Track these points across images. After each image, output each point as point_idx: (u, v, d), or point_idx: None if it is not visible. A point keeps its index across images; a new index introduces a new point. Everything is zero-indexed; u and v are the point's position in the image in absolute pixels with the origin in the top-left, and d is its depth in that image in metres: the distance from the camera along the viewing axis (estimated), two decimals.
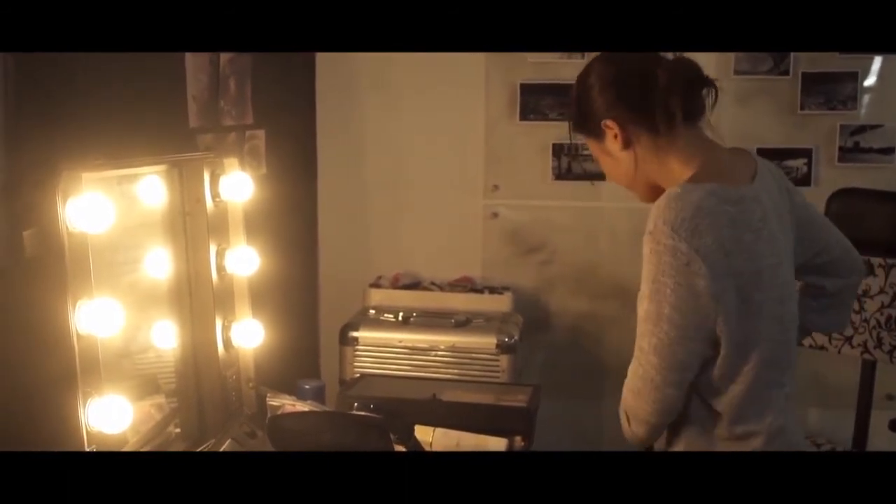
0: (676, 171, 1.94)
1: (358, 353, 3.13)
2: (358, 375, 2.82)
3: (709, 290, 1.80)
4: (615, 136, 1.96)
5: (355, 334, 3.13)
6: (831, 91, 3.62)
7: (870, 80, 3.66)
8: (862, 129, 3.67)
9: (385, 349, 3.15)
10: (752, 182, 1.94)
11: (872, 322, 3.13)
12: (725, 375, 1.88)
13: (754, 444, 1.91)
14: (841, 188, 3.32)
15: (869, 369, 3.18)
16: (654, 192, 1.94)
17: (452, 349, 3.09)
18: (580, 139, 2.07)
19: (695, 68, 1.94)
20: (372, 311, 3.27)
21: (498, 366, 3.10)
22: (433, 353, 3.11)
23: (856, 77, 3.63)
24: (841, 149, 3.66)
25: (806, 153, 3.67)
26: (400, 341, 3.13)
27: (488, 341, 3.10)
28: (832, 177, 3.61)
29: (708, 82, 1.95)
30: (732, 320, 1.83)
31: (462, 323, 3.21)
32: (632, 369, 1.91)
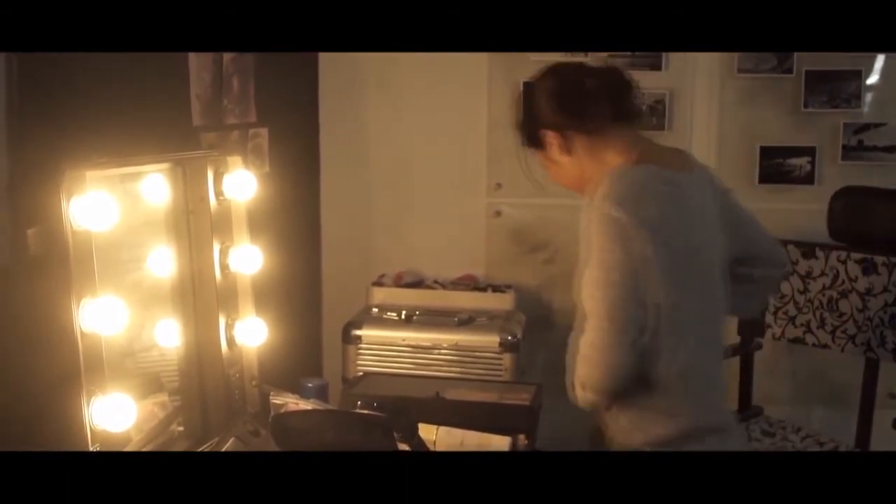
0: (615, 162, 2.11)
1: (361, 351, 3.12)
2: (361, 374, 2.82)
3: (652, 257, 1.97)
4: (556, 145, 2.15)
5: (358, 332, 3.13)
6: (835, 89, 3.62)
7: (874, 79, 3.65)
8: (866, 128, 3.67)
9: (388, 347, 3.15)
10: (689, 173, 2.14)
11: (876, 320, 3.13)
12: (659, 347, 2.03)
13: (684, 423, 2.08)
14: (844, 186, 3.32)
15: (872, 368, 3.18)
16: (577, 187, 2.17)
17: (455, 347, 3.09)
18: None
19: (620, 75, 2.17)
20: (375, 310, 3.27)
21: (501, 364, 3.10)
22: (436, 351, 3.11)
23: (860, 75, 3.63)
24: (844, 147, 3.65)
25: (809, 151, 3.67)
26: (403, 339, 3.13)
27: (491, 340, 3.10)
28: (835, 175, 3.61)
29: (632, 87, 2.17)
30: (671, 290, 2.00)
31: (465, 321, 3.21)
32: (583, 339, 2.04)
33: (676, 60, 3.68)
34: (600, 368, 2.02)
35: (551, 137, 2.16)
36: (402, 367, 3.11)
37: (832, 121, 3.65)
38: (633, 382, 2.06)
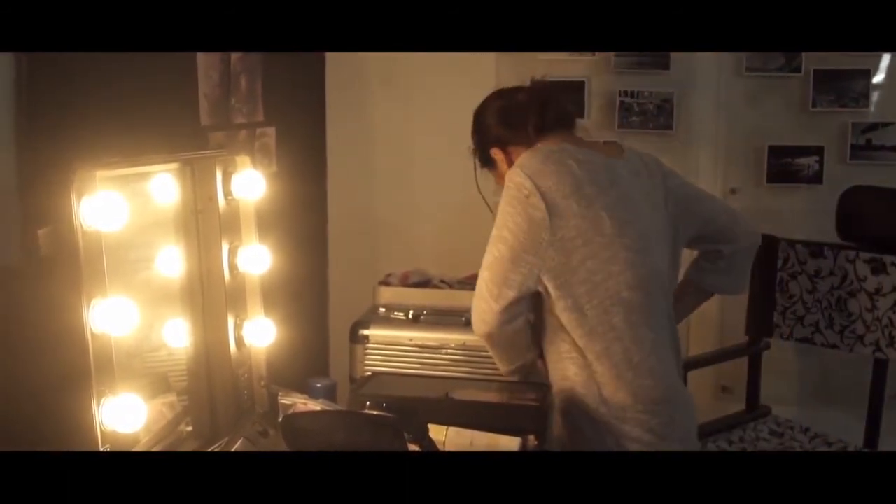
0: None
1: (368, 351, 3.11)
2: (370, 374, 2.81)
3: (542, 223, 2.16)
4: (502, 160, 2.40)
5: (365, 332, 3.11)
6: (843, 88, 3.61)
7: (882, 77, 3.64)
8: (874, 127, 3.66)
9: (395, 347, 3.14)
10: (614, 158, 2.31)
11: (885, 321, 3.13)
12: (574, 307, 2.22)
13: (618, 385, 2.23)
14: (853, 186, 3.31)
15: (881, 368, 3.17)
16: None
17: (463, 347, 3.08)
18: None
19: (545, 87, 2.42)
20: (382, 310, 3.26)
21: None
22: (444, 351, 3.09)
23: (868, 74, 3.63)
24: (853, 146, 3.64)
25: (817, 151, 3.66)
26: (410, 339, 3.11)
27: None
28: (844, 174, 3.60)
29: (556, 96, 2.42)
30: (568, 254, 2.18)
31: None
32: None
33: (683, 60, 3.67)
34: (476, 314, 2.28)
35: (496, 154, 2.42)
36: (409, 366, 3.10)
37: (840, 120, 3.65)
38: (531, 336, 2.34)
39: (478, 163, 2.52)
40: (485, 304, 2.24)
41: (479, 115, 2.47)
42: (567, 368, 2.33)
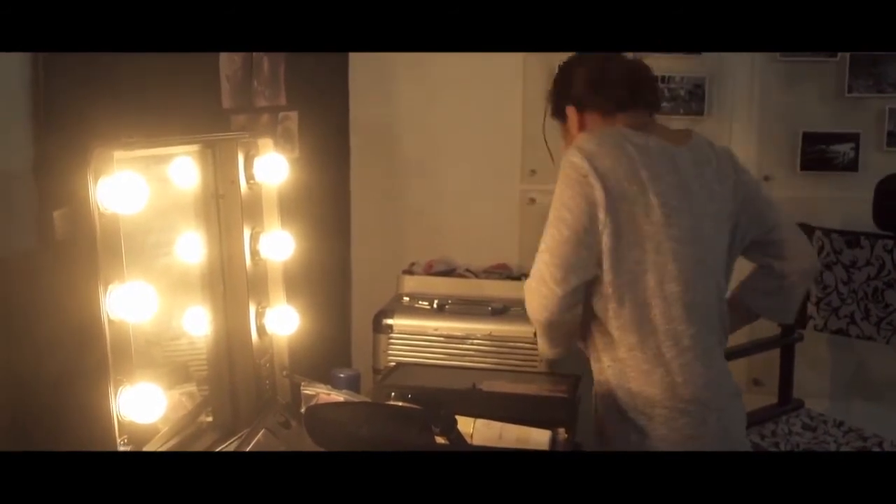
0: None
1: (392, 340, 3.06)
2: (394, 364, 2.75)
3: (601, 202, 2.10)
4: (574, 120, 2.33)
5: (389, 322, 3.06)
6: (881, 74, 3.52)
7: None
8: None
9: (420, 337, 3.08)
10: (675, 145, 2.24)
11: None
12: (614, 297, 2.15)
13: (649, 381, 2.17)
14: (890, 174, 3.24)
15: None
16: None
17: (489, 337, 3.02)
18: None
19: (646, 69, 2.34)
20: (406, 299, 3.20)
21: (536, 355, 3.01)
22: (469, 341, 3.04)
23: None
24: (889, 133, 3.56)
25: (853, 137, 3.57)
26: (435, 329, 3.05)
27: (526, 330, 3.01)
28: (880, 162, 3.51)
29: (655, 81, 2.36)
30: (619, 238, 2.12)
31: (499, 311, 3.13)
32: (532, 271, 2.18)
33: None
34: (536, 299, 2.16)
35: (570, 112, 2.33)
36: (433, 357, 3.04)
37: (877, 106, 3.56)
38: (583, 327, 2.24)
39: (549, 110, 2.44)
40: (546, 290, 2.14)
41: (568, 70, 2.37)
42: (601, 360, 2.25)
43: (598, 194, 2.11)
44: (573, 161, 2.14)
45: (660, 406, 2.18)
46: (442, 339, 3.06)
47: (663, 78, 3.57)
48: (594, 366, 2.30)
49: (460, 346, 3.02)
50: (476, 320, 3.07)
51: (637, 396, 2.20)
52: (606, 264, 2.14)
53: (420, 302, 3.17)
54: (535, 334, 2.33)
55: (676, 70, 3.58)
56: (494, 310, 3.14)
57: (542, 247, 2.15)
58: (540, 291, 2.15)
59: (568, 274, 2.12)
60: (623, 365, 2.20)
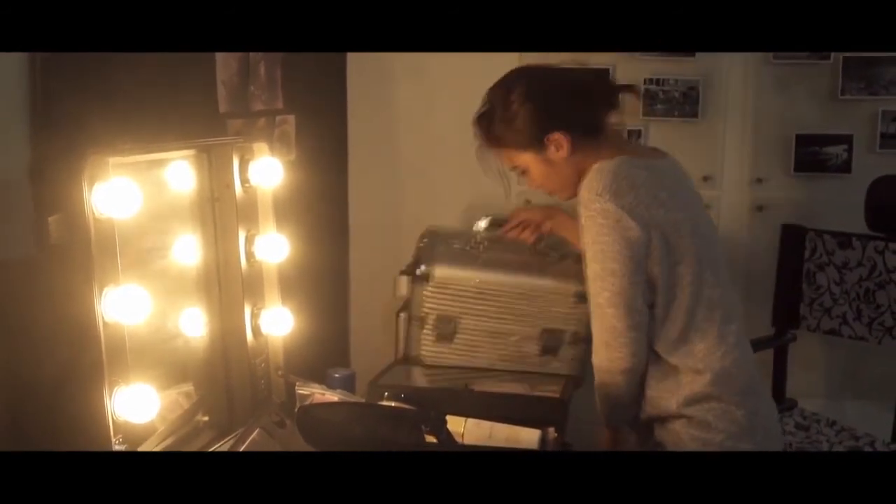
0: (602, 156, 2.20)
1: (429, 293, 2.64)
2: (389, 363, 2.78)
3: (639, 239, 2.12)
4: (558, 148, 2.23)
5: (428, 271, 2.64)
6: (873, 76, 3.53)
7: None
8: None
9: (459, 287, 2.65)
10: (661, 159, 2.27)
11: None
12: (661, 317, 2.19)
13: (702, 381, 2.18)
14: (883, 176, 3.26)
15: None
16: (571, 189, 2.26)
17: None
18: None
19: (607, 74, 2.51)
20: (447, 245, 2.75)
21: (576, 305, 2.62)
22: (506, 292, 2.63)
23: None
24: (882, 135, 3.57)
25: (846, 139, 3.59)
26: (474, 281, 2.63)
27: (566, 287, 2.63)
28: (873, 164, 3.52)
29: (629, 88, 2.33)
30: (663, 264, 2.15)
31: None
32: (595, 328, 2.22)
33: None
34: (617, 349, 2.18)
35: (559, 137, 2.22)
36: (471, 310, 2.64)
37: (870, 108, 3.57)
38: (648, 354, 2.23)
39: (498, 142, 2.32)
40: (625, 339, 2.18)
41: (531, 100, 2.24)
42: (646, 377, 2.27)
43: (635, 233, 2.12)
44: (598, 207, 2.12)
45: (716, 401, 2.20)
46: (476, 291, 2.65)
47: (658, 80, 3.59)
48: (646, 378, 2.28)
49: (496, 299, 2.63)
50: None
51: (693, 399, 2.21)
52: (655, 289, 2.18)
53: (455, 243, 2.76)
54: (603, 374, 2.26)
55: (670, 73, 3.59)
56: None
57: (602, 302, 2.17)
58: (619, 341, 2.17)
59: (637, 317, 2.16)
60: (676, 377, 2.23)
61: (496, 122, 2.31)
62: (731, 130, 3.61)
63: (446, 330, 2.61)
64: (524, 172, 2.34)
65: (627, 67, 3.57)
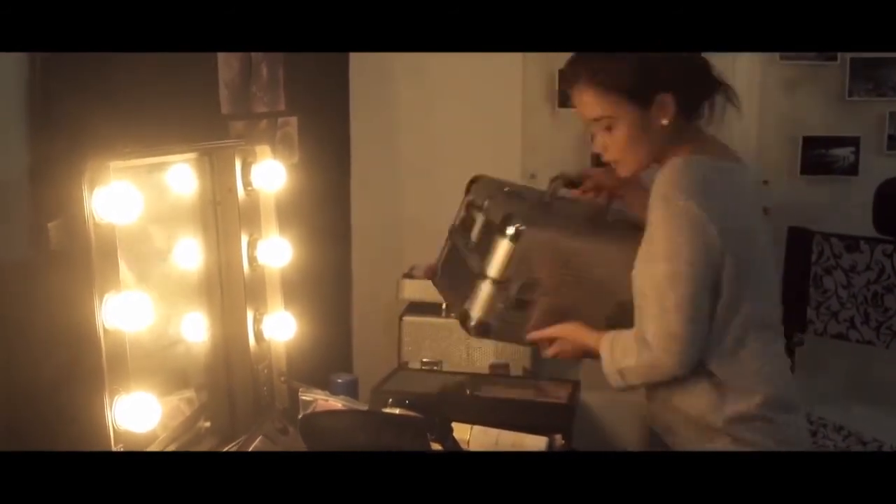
0: (684, 148, 2.08)
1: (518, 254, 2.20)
2: (393, 369, 2.76)
3: (717, 248, 1.99)
4: (662, 112, 2.06)
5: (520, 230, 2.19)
6: (881, 77, 3.51)
7: None
8: None
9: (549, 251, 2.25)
10: (738, 163, 2.15)
11: None
12: (717, 330, 2.05)
13: (751, 401, 2.06)
14: (891, 178, 3.24)
15: None
16: (641, 168, 2.14)
17: None
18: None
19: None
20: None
21: None
22: None
23: None
24: (890, 137, 3.55)
25: (853, 141, 3.57)
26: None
27: None
28: (880, 166, 3.51)
29: (728, 86, 2.17)
30: (731, 275, 2.02)
31: None
32: (648, 327, 2.03)
33: None
34: (673, 355, 2.03)
35: (667, 101, 2.05)
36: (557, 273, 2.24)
37: (878, 110, 3.55)
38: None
39: (618, 90, 2.07)
40: (681, 348, 2.02)
41: (663, 58, 2.06)
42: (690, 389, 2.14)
43: (714, 240, 1.99)
44: (683, 206, 1.99)
45: (763, 421, 2.11)
46: None
47: None
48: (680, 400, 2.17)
49: None
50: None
51: (738, 415, 2.10)
52: (717, 300, 2.05)
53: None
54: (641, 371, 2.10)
55: None
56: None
57: (667, 305, 2.01)
58: (675, 350, 2.03)
59: (699, 327, 2.03)
60: (720, 391, 2.10)
61: (605, 59, 2.06)
62: (736, 132, 3.58)
63: (526, 296, 2.23)
64: (608, 128, 2.10)
65: None
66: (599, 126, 2.11)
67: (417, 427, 1.96)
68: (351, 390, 2.44)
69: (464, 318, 2.22)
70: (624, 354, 2.08)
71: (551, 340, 2.21)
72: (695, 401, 2.11)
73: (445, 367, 3.27)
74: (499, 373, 3.13)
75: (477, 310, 2.20)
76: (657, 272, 2.02)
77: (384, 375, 2.66)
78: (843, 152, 3.58)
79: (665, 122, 2.06)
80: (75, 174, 1.69)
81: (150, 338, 1.98)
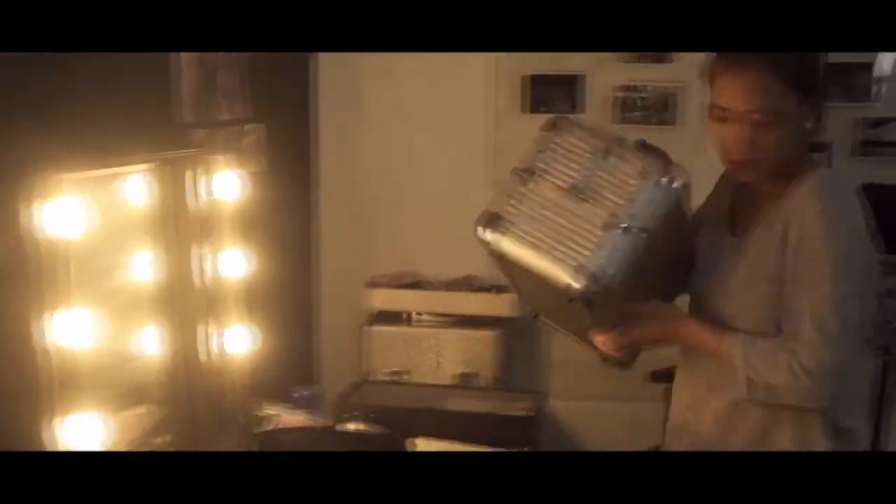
0: (809, 160, 1.96)
1: None
2: (358, 382, 2.73)
3: (875, 267, 1.87)
4: (812, 111, 1.91)
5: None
6: (851, 82, 3.50)
7: (889, 72, 3.55)
8: (883, 122, 3.56)
9: None
10: None
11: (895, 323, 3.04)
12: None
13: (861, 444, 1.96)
14: (866, 184, 3.21)
15: (887, 371, 3.09)
16: (771, 171, 1.93)
17: None
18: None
19: None
20: None
21: None
22: None
23: (873, 69, 3.52)
24: (863, 142, 3.54)
25: (825, 147, 3.55)
26: None
27: None
28: (853, 171, 3.49)
29: None
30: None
31: None
32: (804, 352, 1.80)
33: (687, 53, 3.56)
34: (832, 387, 1.82)
35: (816, 104, 1.92)
36: None
37: (848, 115, 3.54)
38: None
39: (745, 101, 1.91)
40: (838, 375, 1.82)
41: (815, 58, 1.96)
42: None
43: (876, 258, 1.89)
44: (859, 227, 1.86)
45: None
46: None
47: (634, 87, 3.55)
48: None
49: None
50: None
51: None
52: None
53: None
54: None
55: (647, 79, 3.56)
56: None
57: (834, 328, 1.81)
58: (832, 379, 1.82)
59: (858, 354, 1.89)
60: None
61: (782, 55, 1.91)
62: (709, 137, 3.57)
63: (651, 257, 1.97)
64: (760, 123, 1.89)
65: (603, 73, 3.55)
66: (750, 117, 1.91)
67: (378, 444, 1.92)
68: (314, 403, 2.41)
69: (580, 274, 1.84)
70: (768, 368, 1.86)
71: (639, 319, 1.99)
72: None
73: (414, 377, 3.24)
74: (466, 384, 3.10)
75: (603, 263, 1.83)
76: (826, 290, 1.83)
77: (348, 388, 2.63)
78: (816, 158, 3.56)
79: (809, 125, 1.92)
80: (22, 187, 1.65)
81: (105, 353, 1.93)
